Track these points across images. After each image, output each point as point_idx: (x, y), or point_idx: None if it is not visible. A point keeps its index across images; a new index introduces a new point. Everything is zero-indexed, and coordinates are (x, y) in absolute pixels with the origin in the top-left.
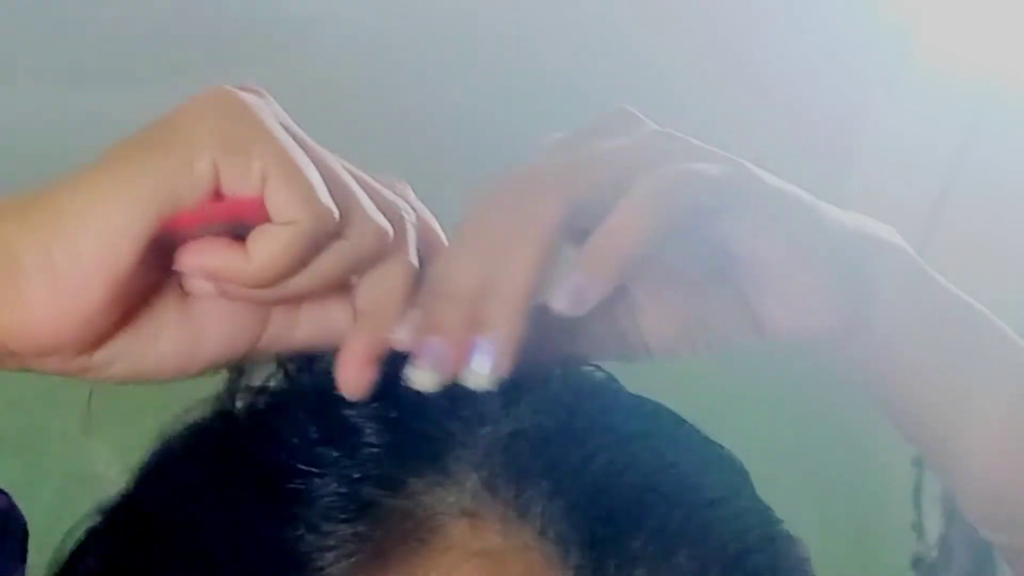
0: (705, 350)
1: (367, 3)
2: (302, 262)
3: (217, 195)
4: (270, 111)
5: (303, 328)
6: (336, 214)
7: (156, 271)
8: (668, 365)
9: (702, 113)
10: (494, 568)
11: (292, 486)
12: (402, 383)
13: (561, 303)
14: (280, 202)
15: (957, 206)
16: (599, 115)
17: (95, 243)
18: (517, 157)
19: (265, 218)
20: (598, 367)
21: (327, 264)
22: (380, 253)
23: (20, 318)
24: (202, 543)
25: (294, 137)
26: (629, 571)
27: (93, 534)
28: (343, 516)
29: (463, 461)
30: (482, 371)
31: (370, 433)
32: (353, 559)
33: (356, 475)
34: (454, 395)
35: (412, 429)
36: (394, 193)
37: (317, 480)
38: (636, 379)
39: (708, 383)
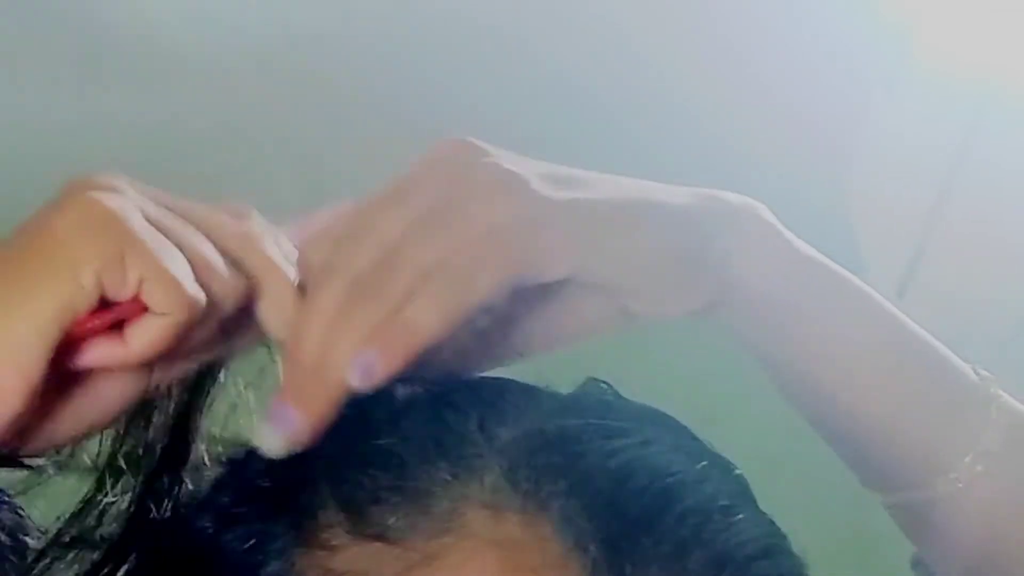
0: (579, 341)
1: (373, 6)
2: (175, 341)
3: (102, 300)
4: (134, 207)
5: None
6: (203, 301)
7: (53, 364)
8: (667, 366)
9: (703, 113)
10: (512, 558)
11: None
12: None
13: (354, 379)
14: (155, 301)
15: (957, 206)
16: (439, 147)
17: (9, 360)
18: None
19: (143, 312)
20: (600, 381)
21: (198, 336)
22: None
23: None
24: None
25: (157, 223)
26: (644, 570)
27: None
28: (375, 506)
29: (484, 457)
30: (273, 440)
31: (392, 431)
32: (382, 544)
33: (380, 471)
34: (479, 397)
35: (435, 427)
36: (240, 224)
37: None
38: (631, 382)
39: (707, 381)
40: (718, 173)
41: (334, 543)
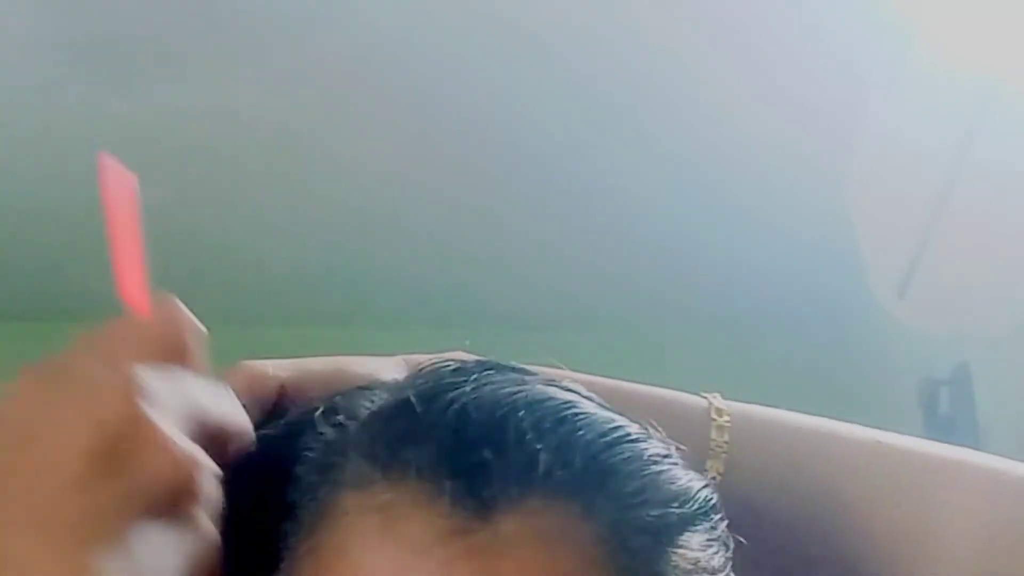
0: None
1: None
2: None
3: None
4: None
5: None
6: None
7: None
8: (663, 371)
9: (704, 109)
10: (387, 517)
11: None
12: None
13: None
14: None
15: (958, 203)
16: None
17: None
18: (525, 147)
19: None
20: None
21: None
22: None
23: None
24: None
25: None
26: (499, 486)
27: None
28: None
29: (344, 451)
30: None
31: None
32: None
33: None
34: (313, 411)
35: (294, 444)
36: None
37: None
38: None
39: (706, 384)
40: (720, 170)
41: None
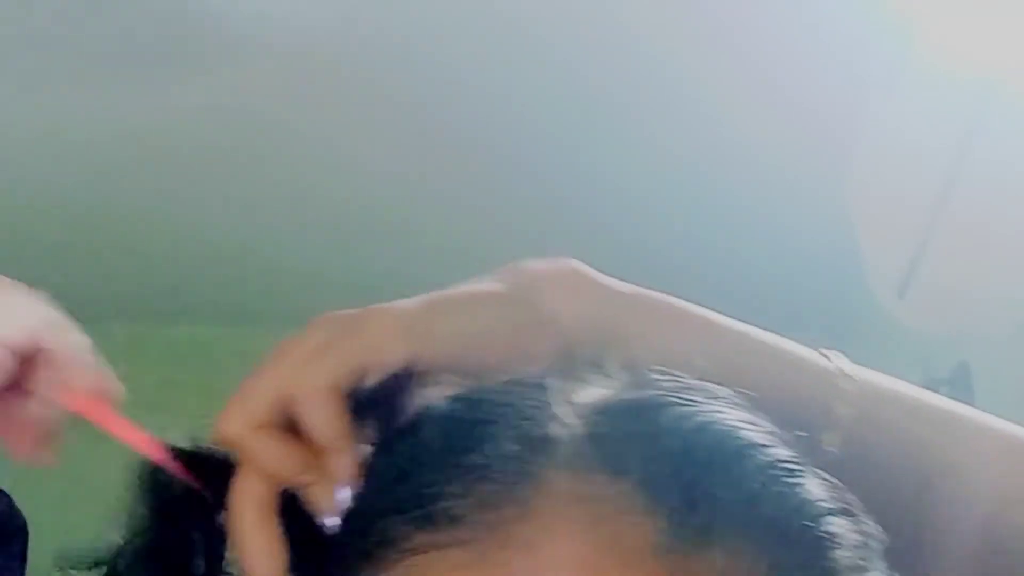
0: None
1: None
2: None
3: None
4: None
5: None
6: None
7: None
8: None
9: (704, 109)
10: (600, 513)
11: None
12: None
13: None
14: None
15: (959, 203)
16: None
17: None
18: (525, 147)
19: None
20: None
21: None
22: None
23: None
24: None
25: None
26: (718, 518)
27: None
28: (471, 480)
29: (562, 423)
30: None
31: (484, 423)
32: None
33: (474, 458)
34: (543, 382)
35: (516, 410)
36: None
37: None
38: None
39: None
40: (720, 170)
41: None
